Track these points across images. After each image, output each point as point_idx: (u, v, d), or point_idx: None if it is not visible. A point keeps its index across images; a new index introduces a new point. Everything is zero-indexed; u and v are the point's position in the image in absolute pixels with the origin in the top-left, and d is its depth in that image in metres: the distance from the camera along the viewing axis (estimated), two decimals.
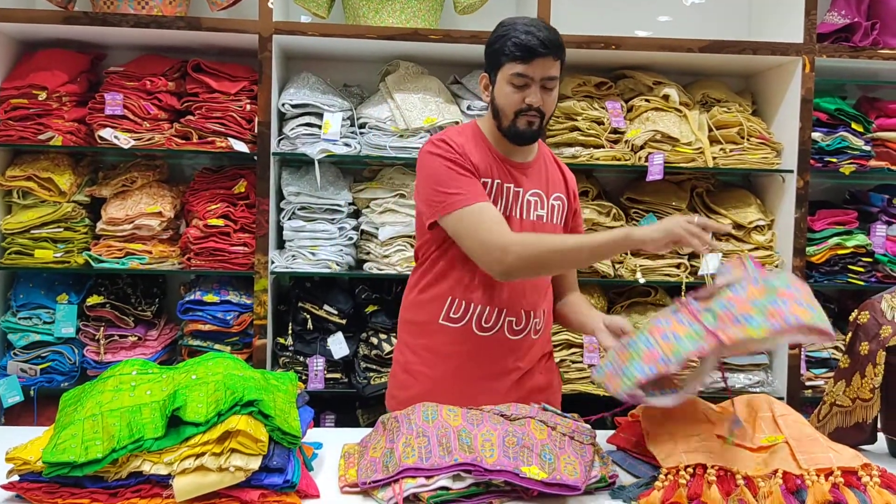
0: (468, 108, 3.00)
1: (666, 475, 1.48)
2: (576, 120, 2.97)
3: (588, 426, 1.66)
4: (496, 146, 1.92)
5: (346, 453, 1.66)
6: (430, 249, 1.94)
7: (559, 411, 1.69)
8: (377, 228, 2.95)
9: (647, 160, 2.92)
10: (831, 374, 2.72)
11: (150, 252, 2.88)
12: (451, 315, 1.90)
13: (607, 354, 1.67)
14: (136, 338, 2.91)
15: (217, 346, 2.90)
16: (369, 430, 1.75)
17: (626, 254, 3.00)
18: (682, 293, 2.96)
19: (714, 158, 2.99)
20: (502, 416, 1.61)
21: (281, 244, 3.02)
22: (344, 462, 1.62)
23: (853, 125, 3.08)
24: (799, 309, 1.50)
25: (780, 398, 2.92)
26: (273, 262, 2.90)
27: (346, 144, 2.91)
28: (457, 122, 2.90)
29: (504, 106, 1.85)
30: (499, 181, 1.89)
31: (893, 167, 3.11)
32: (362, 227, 3.00)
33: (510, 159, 1.92)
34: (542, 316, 1.97)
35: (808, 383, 3.11)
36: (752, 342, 1.51)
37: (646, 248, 1.74)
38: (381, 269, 2.94)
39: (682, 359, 1.49)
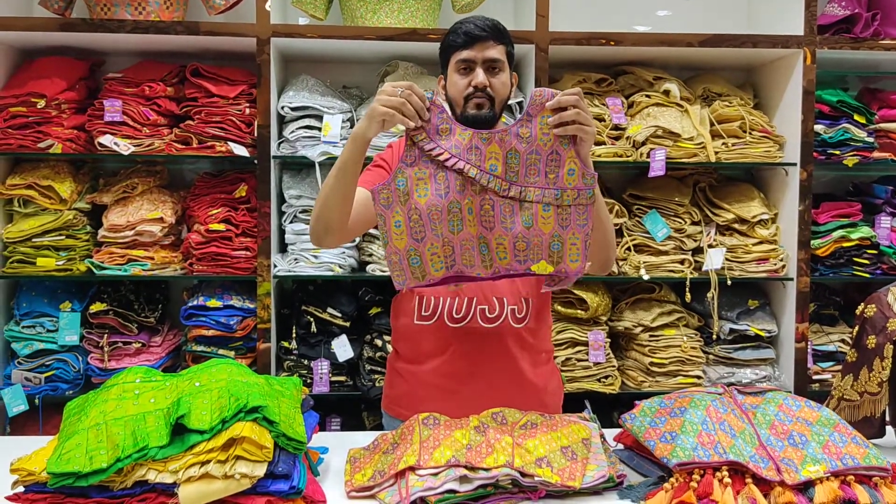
0: None
1: (678, 476, 1.47)
2: None
3: (591, 174, 1.68)
4: None
5: (351, 458, 1.65)
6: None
7: (570, 169, 1.68)
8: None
9: (648, 156, 2.91)
10: (839, 367, 2.72)
11: (153, 258, 2.88)
12: (423, 314, 1.94)
13: (642, 407, 1.66)
14: (140, 344, 2.91)
15: (221, 351, 2.90)
16: (375, 433, 1.74)
17: (630, 250, 2.99)
18: (686, 289, 2.96)
19: (716, 153, 2.98)
20: (510, 197, 1.66)
21: (283, 248, 3.01)
22: (350, 467, 1.61)
23: (855, 117, 3.06)
24: (855, 448, 1.51)
25: (788, 392, 2.90)
26: (275, 266, 2.90)
27: None
28: None
29: (454, 94, 1.87)
30: None
31: None
32: None
33: None
34: (525, 305, 1.94)
35: (815, 377, 3.10)
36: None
37: (368, 136, 1.72)
38: (383, 271, 2.94)
39: (737, 461, 1.46)
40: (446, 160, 1.64)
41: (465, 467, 1.48)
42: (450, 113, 1.68)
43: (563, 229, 1.66)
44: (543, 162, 1.66)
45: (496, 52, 1.85)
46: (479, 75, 1.83)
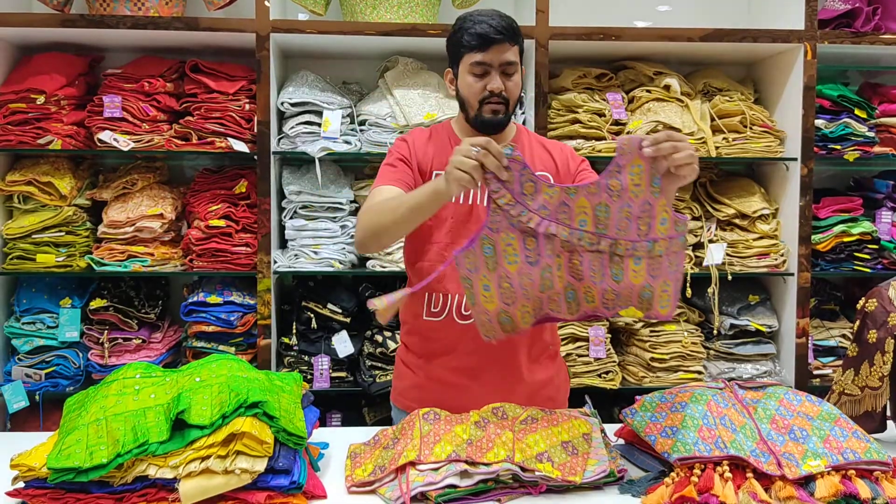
0: None
1: (678, 471, 1.47)
2: (577, 112, 2.95)
3: (684, 222, 1.61)
4: (464, 137, 1.93)
5: (352, 453, 1.65)
6: (405, 246, 2.01)
7: (663, 218, 1.61)
8: None
9: None
10: (839, 362, 2.71)
11: (153, 254, 2.87)
12: (432, 310, 1.92)
13: (643, 402, 1.66)
14: (141, 340, 2.90)
15: (221, 347, 2.90)
16: (376, 428, 1.74)
17: None
18: (687, 284, 2.95)
19: (717, 148, 2.98)
20: (598, 251, 1.60)
21: (283, 243, 3.01)
22: (350, 462, 1.61)
23: (856, 111, 3.06)
24: (857, 443, 1.50)
25: (788, 387, 2.90)
26: (276, 262, 2.89)
27: (347, 142, 2.90)
28: None
29: (468, 96, 1.87)
30: None
31: None
32: None
33: None
34: None
35: (816, 372, 3.09)
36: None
37: (451, 195, 1.65)
38: (384, 267, 2.93)
39: (737, 455, 1.46)
40: (537, 225, 1.57)
41: (466, 462, 1.48)
42: (530, 167, 1.58)
43: (653, 279, 1.59)
44: (635, 214, 1.57)
45: (511, 53, 1.84)
46: (497, 81, 1.83)
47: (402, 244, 2.89)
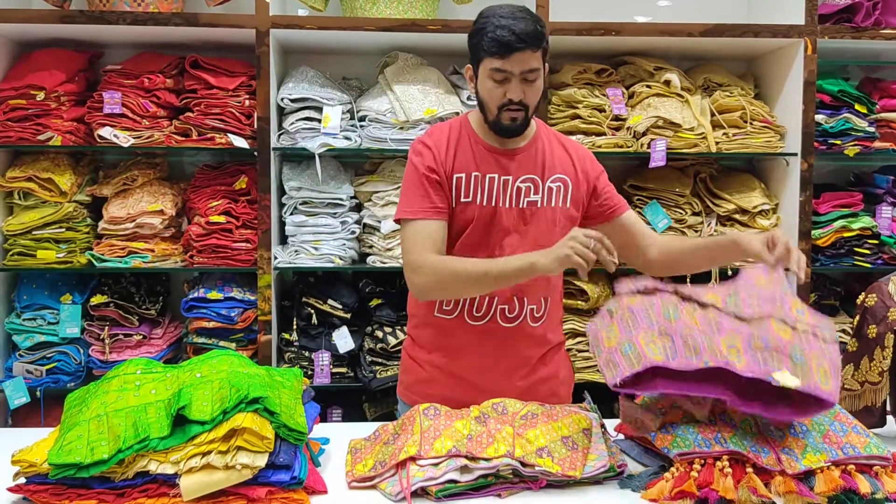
0: (468, 98, 2.99)
1: (678, 466, 1.47)
2: (577, 108, 2.95)
3: (829, 322, 1.56)
4: (484, 137, 1.93)
5: (352, 449, 1.65)
6: None
7: (798, 309, 1.56)
8: (379, 222, 2.93)
9: (649, 147, 2.90)
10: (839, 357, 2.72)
11: (153, 250, 2.88)
12: (444, 308, 1.92)
13: (643, 398, 1.64)
14: (141, 336, 2.91)
15: (222, 343, 2.90)
16: (376, 424, 1.74)
17: None
18: (688, 280, 2.95)
19: (717, 143, 2.97)
20: (738, 317, 1.53)
21: (283, 239, 3.01)
22: (351, 458, 1.61)
23: (857, 107, 3.06)
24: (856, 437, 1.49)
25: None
26: (276, 258, 2.90)
27: (347, 138, 2.90)
28: (457, 113, 2.88)
29: (487, 101, 1.85)
30: (478, 174, 1.89)
31: None
32: (364, 220, 2.98)
33: (499, 147, 1.92)
34: (543, 304, 1.94)
35: None
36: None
37: (547, 272, 1.72)
38: (384, 263, 2.93)
39: (737, 450, 1.44)
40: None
41: (466, 457, 1.48)
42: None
43: (803, 346, 1.46)
44: (766, 298, 1.56)
45: (533, 60, 1.79)
46: (516, 90, 1.80)
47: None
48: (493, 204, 1.88)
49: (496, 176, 1.89)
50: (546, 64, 1.87)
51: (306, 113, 2.90)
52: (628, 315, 1.55)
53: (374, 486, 1.51)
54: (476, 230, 1.88)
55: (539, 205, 1.91)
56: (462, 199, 1.88)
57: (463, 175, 1.88)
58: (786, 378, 1.39)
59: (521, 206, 1.90)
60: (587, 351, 2.95)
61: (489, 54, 1.79)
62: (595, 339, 1.58)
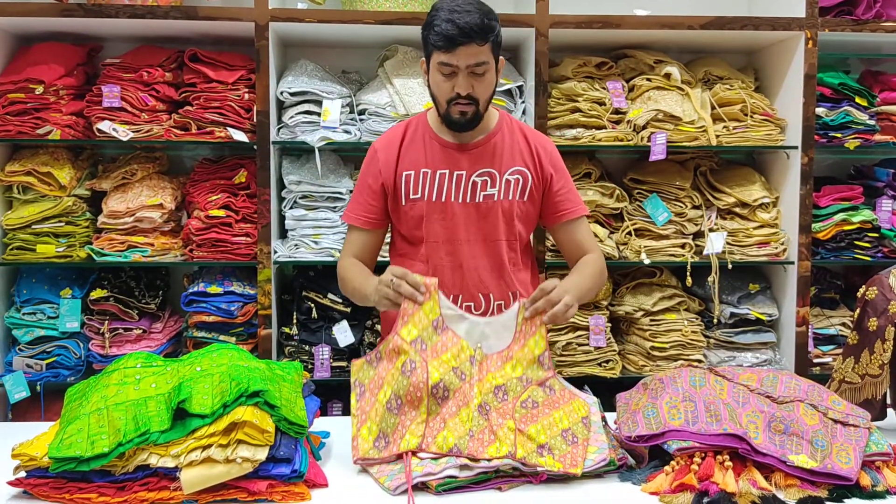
0: None
1: (678, 460, 1.47)
2: (577, 101, 2.94)
3: (864, 412, 1.58)
4: (440, 133, 1.94)
5: (357, 382, 1.66)
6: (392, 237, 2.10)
7: (835, 400, 1.60)
8: None
9: (649, 140, 2.89)
10: (839, 351, 2.72)
11: (153, 244, 2.87)
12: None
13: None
14: (141, 331, 2.91)
15: (222, 337, 2.90)
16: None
17: (631, 235, 2.98)
18: (687, 273, 2.95)
19: (717, 137, 2.97)
20: (769, 397, 1.58)
21: (283, 233, 3.01)
22: (356, 401, 1.63)
23: (857, 99, 3.05)
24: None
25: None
26: (276, 252, 2.89)
27: (346, 131, 2.90)
28: None
29: (436, 94, 1.87)
30: (427, 170, 1.92)
31: None
32: None
33: (454, 142, 1.93)
34: (512, 298, 1.95)
35: (816, 360, 3.10)
36: None
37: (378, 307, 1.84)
38: (384, 257, 2.93)
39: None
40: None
41: (467, 458, 1.49)
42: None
43: (828, 436, 1.48)
44: (804, 389, 1.63)
45: (481, 53, 1.77)
46: (464, 84, 1.80)
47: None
48: (444, 199, 1.90)
49: (447, 171, 1.91)
50: (500, 57, 1.86)
51: (306, 107, 2.89)
52: (658, 385, 1.62)
53: (377, 463, 1.52)
54: (429, 226, 1.89)
55: (496, 198, 1.92)
56: (411, 196, 1.92)
57: (412, 172, 1.91)
58: (801, 460, 1.44)
59: (476, 200, 1.92)
60: (587, 344, 2.96)
61: (436, 48, 1.79)
62: (625, 405, 1.67)
